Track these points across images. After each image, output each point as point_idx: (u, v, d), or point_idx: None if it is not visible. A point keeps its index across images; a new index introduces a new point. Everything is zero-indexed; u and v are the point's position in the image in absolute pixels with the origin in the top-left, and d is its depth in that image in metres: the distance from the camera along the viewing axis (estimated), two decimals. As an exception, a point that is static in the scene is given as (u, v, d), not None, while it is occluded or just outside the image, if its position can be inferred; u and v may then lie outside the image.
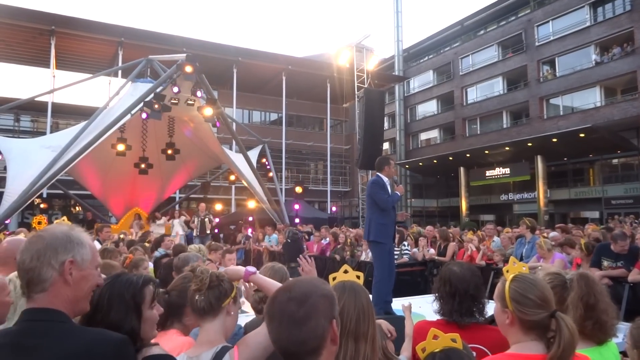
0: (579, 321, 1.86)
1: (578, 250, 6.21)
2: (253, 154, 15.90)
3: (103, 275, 2.24)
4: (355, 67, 27.62)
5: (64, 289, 1.35)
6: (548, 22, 26.94)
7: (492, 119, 30.72)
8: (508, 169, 26.57)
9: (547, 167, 25.08)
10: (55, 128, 23.98)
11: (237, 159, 14.67)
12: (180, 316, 2.15)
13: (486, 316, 2.23)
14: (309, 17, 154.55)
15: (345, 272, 1.65)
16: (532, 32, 27.52)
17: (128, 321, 1.47)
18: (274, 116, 33.33)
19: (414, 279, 8.63)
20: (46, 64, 24.49)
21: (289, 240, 10.57)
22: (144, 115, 10.73)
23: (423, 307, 3.81)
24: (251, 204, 17.79)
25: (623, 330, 2.15)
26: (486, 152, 25.96)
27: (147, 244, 6.86)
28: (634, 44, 22.56)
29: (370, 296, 1.62)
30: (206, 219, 13.07)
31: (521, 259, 6.54)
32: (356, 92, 26.41)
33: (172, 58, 12.16)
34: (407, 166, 32.81)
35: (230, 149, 18.72)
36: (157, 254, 6.11)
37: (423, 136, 36.42)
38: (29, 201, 11.32)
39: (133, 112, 10.95)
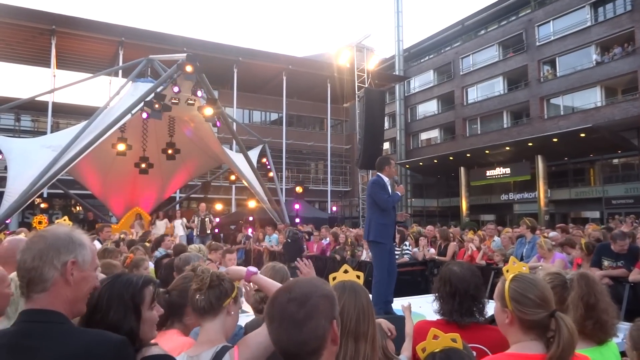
0: (579, 321, 1.86)
1: (578, 250, 6.21)
2: (253, 154, 15.90)
3: (103, 275, 2.25)
4: (355, 66, 27.63)
5: (65, 290, 1.35)
6: (549, 22, 26.94)
7: (492, 119, 30.71)
8: (508, 169, 26.57)
9: (547, 167, 25.07)
10: (55, 128, 23.97)
11: (238, 158, 14.68)
12: (180, 316, 2.15)
13: (486, 316, 2.23)
14: (309, 17, 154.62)
15: (346, 272, 1.65)
16: (532, 32, 27.51)
17: (127, 322, 1.46)
18: (274, 116, 33.34)
19: (415, 279, 8.64)
20: (47, 64, 24.51)
21: (289, 240, 10.58)
22: (144, 115, 10.73)
23: (423, 306, 3.81)
24: (251, 204, 17.80)
25: (623, 330, 2.15)
26: (487, 152, 25.96)
27: (147, 244, 6.86)
28: (634, 44, 22.55)
29: (370, 296, 1.62)
30: (206, 219, 13.08)
31: (521, 259, 6.55)
32: (356, 92, 26.42)
33: (172, 58, 12.16)
34: (407, 166, 32.81)
35: (231, 148, 18.72)
36: (157, 254, 6.11)
37: (423, 136, 36.42)
38: (30, 201, 11.33)
39: (133, 111, 10.95)
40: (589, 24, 24.89)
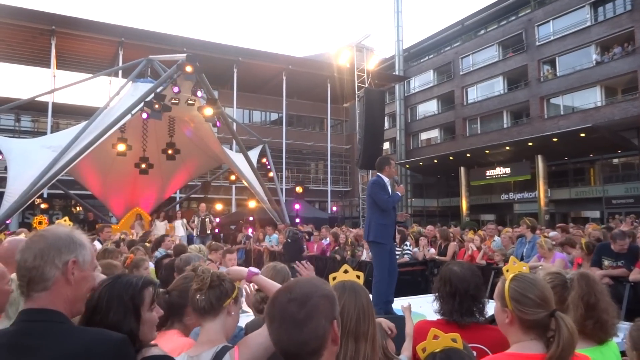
0: (579, 321, 1.86)
1: (579, 250, 6.21)
2: (253, 154, 15.90)
3: (103, 276, 2.25)
4: (355, 66, 27.64)
5: (65, 289, 1.36)
6: (548, 21, 26.94)
7: (492, 119, 30.71)
8: (508, 169, 26.57)
9: (547, 167, 25.08)
10: (55, 128, 23.99)
11: (238, 158, 14.68)
12: (180, 316, 2.15)
13: (486, 316, 2.23)
14: (309, 17, 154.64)
15: (346, 272, 1.65)
16: (532, 31, 27.52)
17: (126, 323, 1.46)
18: (274, 116, 33.35)
19: (415, 279, 8.64)
20: (47, 64, 24.51)
21: (289, 240, 10.57)
22: (144, 115, 10.73)
23: (423, 306, 3.81)
24: (252, 204, 17.80)
25: (624, 329, 2.15)
26: (487, 151, 25.96)
27: (147, 244, 6.86)
28: (634, 43, 22.55)
29: (371, 296, 1.62)
30: (207, 219, 13.08)
31: (522, 259, 6.54)
32: (356, 92, 26.43)
33: (172, 58, 12.16)
34: (407, 166, 32.81)
35: (231, 148, 18.72)
36: (157, 254, 6.11)
37: (423, 136, 36.42)
38: (30, 201, 11.32)
39: (133, 112, 10.95)
40: (588, 23, 24.89)
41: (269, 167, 16.68)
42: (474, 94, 31.85)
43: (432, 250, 9.14)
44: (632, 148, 22.76)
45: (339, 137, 34.27)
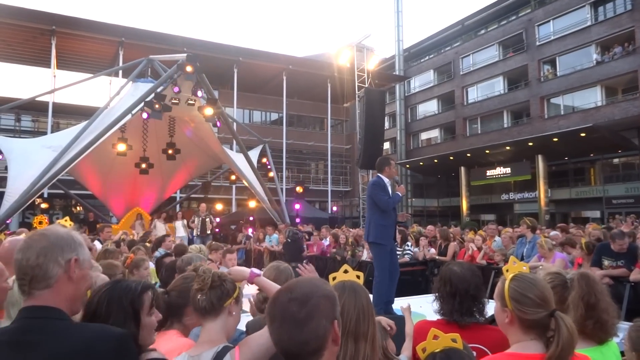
0: (579, 321, 1.87)
1: (579, 250, 6.21)
2: (254, 154, 15.91)
3: (104, 276, 2.25)
4: (355, 66, 27.64)
5: (67, 286, 1.37)
6: (549, 21, 26.94)
7: (492, 119, 30.71)
8: (509, 169, 26.56)
9: (548, 167, 25.07)
10: (56, 128, 23.99)
11: (238, 158, 14.67)
12: (180, 317, 2.15)
13: (486, 316, 2.23)
14: (309, 17, 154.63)
15: (345, 272, 1.65)
16: (532, 31, 27.51)
17: (126, 327, 1.47)
18: (274, 116, 33.35)
19: (415, 279, 8.64)
20: (47, 64, 24.51)
21: (289, 240, 10.57)
22: (144, 115, 10.72)
23: (424, 306, 3.81)
24: (252, 204, 17.80)
25: (624, 329, 2.16)
26: (487, 151, 25.95)
27: (147, 244, 6.85)
28: (634, 43, 22.55)
29: (371, 296, 1.62)
30: (207, 219, 13.08)
31: (522, 259, 6.54)
32: (357, 92, 26.42)
33: (172, 58, 12.16)
34: (407, 166, 32.81)
35: (231, 148, 18.72)
36: (157, 254, 6.11)
37: (424, 136, 36.42)
38: (30, 201, 11.32)
39: (134, 112, 10.95)
40: (589, 23, 24.89)
41: (269, 167, 16.68)
42: (474, 93, 31.84)
43: (433, 250, 9.14)
44: (632, 148, 22.75)
45: (339, 137, 34.28)
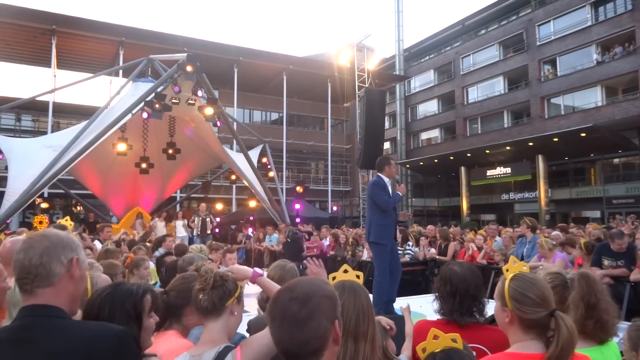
0: (580, 321, 1.87)
1: (579, 250, 6.21)
2: (254, 154, 15.91)
3: (105, 276, 2.25)
4: (356, 66, 27.63)
5: (68, 285, 1.39)
6: (549, 21, 26.93)
7: (493, 119, 30.70)
8: (509, 169, 26.55)
9: (548, 167, 25.06)
10: (56, 128, 23.97)
11: (238, 158, 14.67)
12: (179, 317, 2.15)
13: (486, 316, 2.23)
14: (309, 17, 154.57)
15: (345, 271, 1.65)
16: (533, 31, 27.50)
17: (130, 330, 1.48)
18: (274, 116, 33.35)
19: (415, 279, 8.65)
20: (47, 64, 24.51)
21: (289, 240, 10.57)
22: (144, 115, 10.71)
23: (424, 306, 3.82)
24: (252, 204, 17.78)
25: (624, 329, 2.16)
26: (487, 151, 25.95)
27: (148, 244, 6.85)
28: (635, 43, 22.54)
29: (371, 296, 1.62)
30: (207, 219, 13.08)
31: (522, 259, 6.54)
32: (357, 92, 26.41)
33: (173, 57, 12.16)
34: (407, 166, 32.80)
35: (231, 148, 18.73)
36: (157, 254, 6.11)
37: (424, 136, 36.41)
38: (30, 201, 11.32)
39: (134, 111, 10.94)
40: (589, 23, 24.88)
41: (269, 166, 16.67)
42: (475, 93, 31.84)
43: (433, 250, 9.14)
44: (632, 148, 22.75)
45: (339, 136, 34.27)
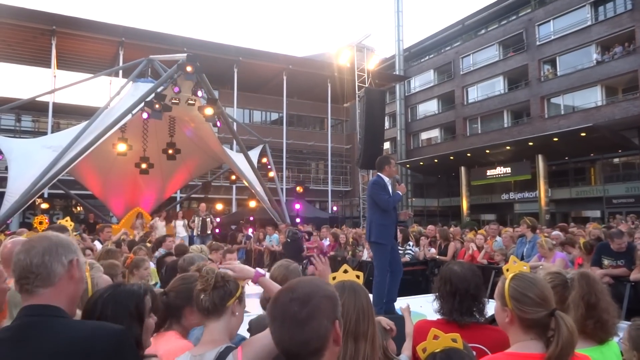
0: (580, 320, 1.87)
1: (579, 250, 6.22)
2: (254, 154, 15.91)
3: (106, 276, 2.25)
4: (355, 66, 27.63)
5: (68, 286, 1.41)
6: (549, 21, 26.93)
7: (493, 118, 30.70)
8: (509, 168, 26.55)
9: (548, 167, 25.05)
10: (56, 128, 23.99)
11: (238, 158, 14.67)
12: (179, 317, 2.15)
13: (486, 316, 2.23)
14: (309, 17, 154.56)
15: (345, 271, 1.65)
16: (533, 31, 27.50)
17: (133, 330, 1.50)
18: (274, 116, 33.34)
19: (415, 279, 8.64)
20: (47, 64, 24.51)
21: (289, 240, 10.57)
22: (144, 115, 10.72)
23: (424, 306, 3.82)
24: (252, 204, 17.78)
25: (624, 329, 2.16)
26: (487, 151, 25.94)
27: (148, 244, 6.85)
28: (635, 43, 22.54)
29: (371, 296, 1.62)
30: (207, 219, 13.08)
31: (522, 259, 6.55)
32: (357, 92, 26.42)
33: (172, 58, 12.16)
34: (407, 165, 32.80)
35: (231, 148, 18.72)
36: (157, 254, 6.11)
37: (424, 135, 36.41)
38: (30, 201, 11.33)
39: (134, 112, 10.94)
40: (589, 23, 24.88)
41: (269, 167, 16.67)
42: (475, 93, 31.84)
43: (433, 250, 9.14)
44: (632, 147, 22.75)
45: (339, 136, 34.27)
